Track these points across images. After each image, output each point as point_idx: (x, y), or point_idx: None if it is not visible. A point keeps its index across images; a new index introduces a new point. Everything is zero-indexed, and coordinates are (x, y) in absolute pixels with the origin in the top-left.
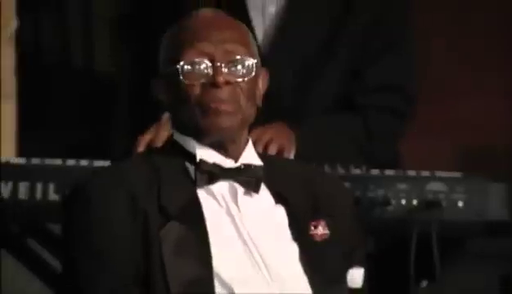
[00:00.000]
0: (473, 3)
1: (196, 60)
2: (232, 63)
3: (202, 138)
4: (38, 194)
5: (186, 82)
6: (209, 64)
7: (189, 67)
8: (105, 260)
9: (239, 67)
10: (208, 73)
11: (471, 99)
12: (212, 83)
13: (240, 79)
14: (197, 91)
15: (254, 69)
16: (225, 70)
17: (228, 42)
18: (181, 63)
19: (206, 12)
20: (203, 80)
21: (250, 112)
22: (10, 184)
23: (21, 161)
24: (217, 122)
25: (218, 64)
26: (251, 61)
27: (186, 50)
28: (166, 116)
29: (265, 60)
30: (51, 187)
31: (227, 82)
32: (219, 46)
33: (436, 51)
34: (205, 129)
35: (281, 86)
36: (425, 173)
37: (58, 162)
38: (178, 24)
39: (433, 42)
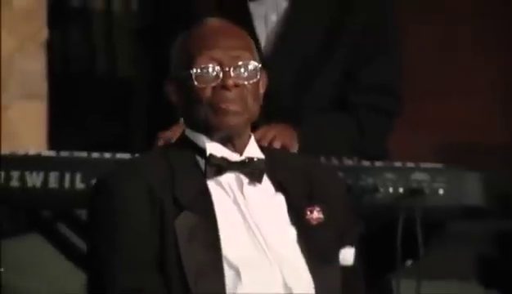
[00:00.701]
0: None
1: (207, 65)
2: (239, 67)
3: (212, 134)
4: (67, 183)
5: (198, 85)
6: (219, 68)
7: (200, 71)
8: (124, 246)
9: (244, 71)
10: (217, 77)
11: (452, 100)
12: (221, 86)
13: (246, 82)
14: (208, 93)
15: (258, 72)
16: (232, 74)
17: (234, 49)
18: (194, 68)
19: (214, 22)
20: (213, 83)
21: (255, 110)
22: (41, 174)
23: (51, 153)
24: (226, 120)
25: (227, 68)
26: (255, 65)
27: (198, 56)
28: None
29: (267, 64)
30: (78, 177)
31: (235, 85)
32: (227, 53)
33: (422, 54)
34: (216, 126)
35: (281, 88)
36: (410, 164)
37: (84, 154)
38: (189, 32)
39: (420, 46)
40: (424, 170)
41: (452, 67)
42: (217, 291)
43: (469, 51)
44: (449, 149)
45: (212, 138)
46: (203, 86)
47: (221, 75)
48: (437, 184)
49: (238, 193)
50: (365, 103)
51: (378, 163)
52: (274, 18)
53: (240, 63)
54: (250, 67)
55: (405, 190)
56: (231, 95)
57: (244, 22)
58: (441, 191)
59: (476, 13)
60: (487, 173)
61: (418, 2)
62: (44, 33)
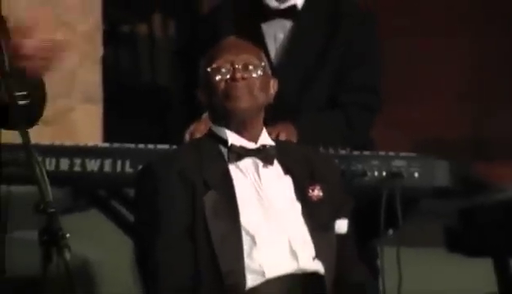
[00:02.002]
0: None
1: (222, 64)
2: (246, 65)
3: (229, 121)
4: (118, 168)
5: (215, 79)
6: (229, 66)
7: (216, 68)
8: (163, 219)
9: (250, 67)
10: (229, 73)
11: (423, 102)
12: (232, 78)
13: (252, 75)
14: (222, 85)
15: (261, 69)
16: (241, 70)
17: (243, 53)
18: (211, 66)
19: (230, 38)
20: (227, 76)
21: (262, 99)
22: (98, 161)
23: (106, 145)
24: (237, 105)
25: (237, 66)
26: (259, 64)
27: (215, 59)
28: (205, 115)
29: (275, 72)
30: (127, 163)
31: (243, 78)
32: (237, 56)
33: (398, 64)
34: (230, 111)
35: (286, 91)
36: (391, 153)
37: (132, 145)
38: (213, 46)
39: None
40: (403, 158)
41: (423, 76)
42: (236, 253)
43: (438, 63)
44: (421, 142)
45: (230, 127)
46: (218, 79)
47: (231, 71)
48: (412, 169)
49: (254, 175)
50: (352, 102)
51: (365, 152)
52: (281, 36)
53: (246, 62)
54: (255, 64)
55: (387, 174)
56: (239, 85)
57: (258, 40)
58: (416, 174)
59: (449, 29)
60: (451, 161)
61: (398, 20)
62: (100, 52)
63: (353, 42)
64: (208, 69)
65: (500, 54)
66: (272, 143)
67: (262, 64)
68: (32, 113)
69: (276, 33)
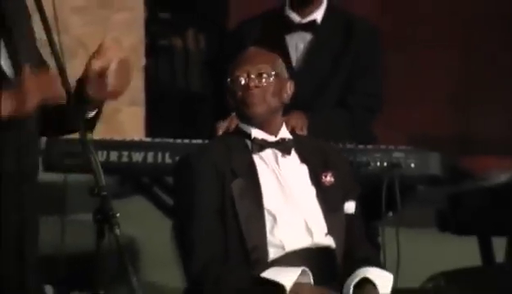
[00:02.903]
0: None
1: (239, 75)
2: (260, 74)
3: (250, 122)
4: (159, 159)
5: (235, 87)
6: (246, 76)
7: (235, 79)
8: (197, 202)
9: (264, 76)
10: (245, 82)
11: (419, 105)
12: (247, 87)
13: (264, 83)
14: (240, 93)
15: (274, 76)
16: (256, 80)
17: (258, 63)
18: (231, 77)
19: (249, 49)
20: (243, 85)
21: (275, 103)
22: (142, 153)
23: (148, 139)
24: (252, 110)
25: (252, 76)
26: (272, 71)
27: (235, 70)
28: (233, 114)
29: (296, 77)
30: (167, 155)
31: (256, 86)
32: (253, 67)
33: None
34: (247, 115)
35: (305, 92)
36: (391, 147)
37: (171, 140)
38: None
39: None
40: (401, 151)
41: (418, 83)
42: (260, 231)
43: (430, 71)
44: (416, 137)
45: (253, 125)
46: (236, 88)
47: (247, 80)
48: (409, 160)
49: (274, 164)
50: (357, 104)
51: (369, 146)
52: (301, 46)
53: (260, 72)
54: (268, 72)
55: (387, 164)
56: (253, 93)
57: (282, 49)
58: (412, 165)
59: (439, 42)
60: (442, 154)
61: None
62: (143, 62)
63: (361, 53)
64: (229, 79)
65: (482, 64)
66: (290, 136)
67: (276, 71)
68: (94, 121)
69: (298, 44)
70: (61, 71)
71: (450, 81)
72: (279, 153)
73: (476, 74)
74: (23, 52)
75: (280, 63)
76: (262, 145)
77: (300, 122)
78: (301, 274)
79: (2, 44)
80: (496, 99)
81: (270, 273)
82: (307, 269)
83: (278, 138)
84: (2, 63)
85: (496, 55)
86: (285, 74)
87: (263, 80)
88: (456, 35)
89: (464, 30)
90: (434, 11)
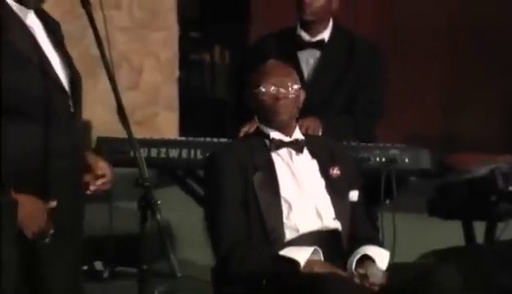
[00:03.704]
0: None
1: (269, 86)
2: (286, 87)
3: (273, 125)
4: (192, 155)
5: (264, 97)
6: (274, 88)
7: (265, 90)
8: (224, 193)
9: (289, 89)
10: (273, 93)
11: (410, 109)
12: (276, 98)
13: (290, 96)
14: (269, 102)
15: (295, 89)
16: (283, 91)
17: (283, 77)
18: (261, 88)
19: (272, 62)
20: (272, 96)
21: (295, 111)
22: (177, 150)
23: (182, 138)
24: (279, 117)
25: (282, 89)
26: (296, 86)
27: (263, 81)
28: (255, 117)
29: (307, 87)
30: (198, 152)
31: (285, 97)
32: (279, 79)
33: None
34: (274, 120)
35: (314, 102)
36: (388, 145)
37: (201, 139)
38: (258, 67)
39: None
40: (396, 148)
41: (411, 89)
42: (277, 216)
43: (420, 79)
44: (409, 137)
45: (272, 128)
46: (265, 98)
47: (275, 91)
48: (403, 156)
49: (289, 160)
50: (360, 111)
51: (369, 144)
52: (312, 61)
53: (286, 84)
54: (291, 85)
55: (385, 160)
56: (281, 103)
57: (294, 63)
58: (406, 160)
59: (427, 54)
60: (431, 151)
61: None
62: (177, 73)
63: (363, 68)
64: (257, 90)
65: (465, 73)
66: (303, 137)
67: (296, 83)
68: None
69: (308, 59)
70: (111, 78)
71: (437, 88)
72: (293, 152)
73: (459, 82)
74: (70, 67)
75: (296, 75)
76: (279, 145)
77: (313, 124)
78: (313, 253)
79: (59, 60)
80: (477, 104)
81: (287, 252)
82: (318, 249)
83: (292, 138)
84: (60, 76)
85: (476, 65)
86: (299, 85)
87: (289, 91)
88: (442, 47)
89: (448, 43)
90: (423, 26)
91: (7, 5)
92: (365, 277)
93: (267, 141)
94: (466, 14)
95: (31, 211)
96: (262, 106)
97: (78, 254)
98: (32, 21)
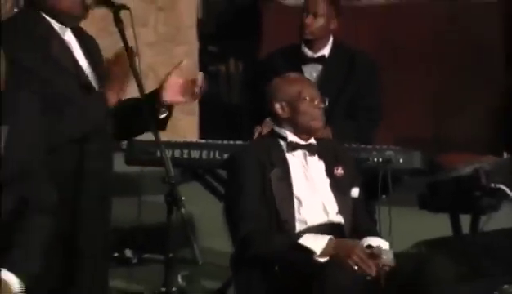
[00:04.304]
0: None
1: (307, 95)
2: (320, 99)
3: (303, 131)
4: (211, 156)
5: (305, 105)
6: (313, 98)
7: (305, 98)
8: (244, 188)
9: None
10: (316, 103)
11: (404, 114)
12: (317, 107)
13: (322, 106)
14: (310, 111)
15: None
16: (319, 102)
17: (316, 90)
18: (302, 96)
19: (296, 74)
20: (313, 106)
21: None
22: (198, 151)
23: (203, 141)
24: (318, 123)
25: (317, 99)
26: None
27: (303, 91)
28: (267, 120)
29: None
30: (216, 153)
31: (321, 107)
32: (314, 90)
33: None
34: (312, 128)
35: None
36: (384, 147)
37: (219, 141)
38: (286, 78)
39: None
40: (392, 150)
41: (404, 97)
42: (290, 209)
43: (412, 89)
44: (403, 140)
45: (293, 132)
46: (306, 106)
47: (317, 102)
48: (398, 156)
49: (303, 160)
50: (361, 116)
51: (368, 146)
52: (314, 74)
53: (319, 97)
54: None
55: (382, 160)
56: (320, 111)
57: None
58: (400, 160)
59: (417, 67)
60: (422, 152)
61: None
62: (200, 77)
63: (363, 79)
64: (300, 98)
65: (451, 82)
66: (315, 142)
67: None
68: (166, 122)
69: (311, 73)
70: (140, 86)
71: (427, 96)
72: (306, 153)
73: (447, 91)
74: (101, 71)
75: None
76: (295, 147)
77: (326, 132)
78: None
79: (91, 70)
80: (463, 110)
81: (304, 240)
82: (332, 237)
83: (308, 142)
84: (90, 77)
85: (462, 76)
86: None
87: (320, 103)
88: (432, 61)
89: (438, 57)
90: (416, 42)
91: (49, 24)
92: (377, 257)
93: (282, 142)
94: (454, 31)
95: None
96: (297, 111)
97: (106, 241)
98: (69, 37)
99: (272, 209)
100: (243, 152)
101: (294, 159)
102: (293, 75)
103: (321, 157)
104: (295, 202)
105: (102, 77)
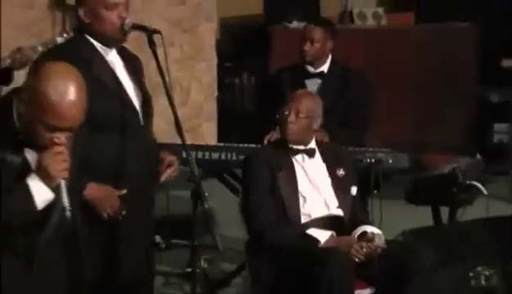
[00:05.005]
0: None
1: (285, 109)
2: (297, 115)
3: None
4: (228, 157)
5: (282, 118)
6: (287, 112)
7: (282, 112)
8: (256, 185)
9: (300, 116)
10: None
11: (393, 121)
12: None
13: (295, 122)
14: (282, 124)
15: (306, 118)
16: (293, 116)
17: (300, 102)
18: (281, 110)
19: (298, 91)
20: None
21: (305, 134)
22: (217, 153)
23: (221, 144)
24: (284, 136)
25: (291, 115)
26: (302, 115)
27: (285, 105)
28: (277, 128)
29: None
30: (234, 154)
31: (290, 122)
32: (293, 105)
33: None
34: (283, 138)
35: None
36: (375, 149)
37: (235, 145)
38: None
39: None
40: (382, 152)
41: (392, 108)
42: (295, 205)
43: (398, 103)
44: (392, 143)
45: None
46: (283, 118)
47: (286, 118)
48: (388, 158)
49: (303, 163)
50: (353, 123)
51: (362, 149)
52: (315, 87)
53: (298, 112)
54: (301, 116)
55: (374, 161)
56: (288, 126)
57: (303, 89)
58: (390, 161)
59: (400, 84)
60: (409, 152)
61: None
62: (216, 93)
63: (355, 92)
64: (280, 111)
65: (431, 96)
66: (314, 146)
67: (307, 113)
68: None
69: (312, 86)
70: (169, 98)
71: (412, 107)
72: (306, 156)
73: (428, 103)
74: (141, 90)
75: (311, 105)
76: (296, 151)
77: (320, 135)
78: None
79: (133, 87)
80: (441, 119)
81: (312, 232)
82: (334, 233)
83: (307, 147)
84: (133, 99)
85: (441, 90)
86: (313, 114)
87: (298, 118)
88: (414, 78)
89: (419, 74)
90: (400, 62)
91: (93, 45)
92: (371, 240)
93: (288, 148)
94: (433, 51)
95: (105, 197)
96: (279, 123)
97: (149, 230)
98: (113, 57)
99: (281, 205)
100: (254, 157)
101: (299, 162)
102: (295, 92)
103: (324, 160)
104: (300, 199)
105: (144, 94)
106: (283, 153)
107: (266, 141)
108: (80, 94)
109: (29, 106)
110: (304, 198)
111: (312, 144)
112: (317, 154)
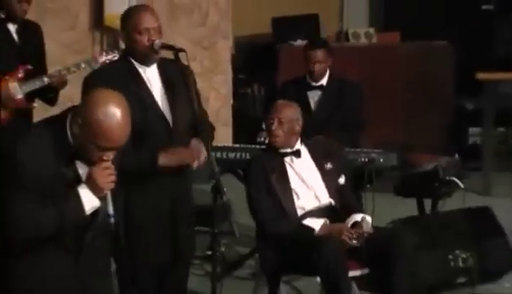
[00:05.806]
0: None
1: (270, 120)
2: (280, 122)
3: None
4: (242, 156)
5: (267, 126)
6: (272, 121)
7: (267, 122)
8: (255, 184)
9: (282, 122)
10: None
11: (383, 126)
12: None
13: (278, 128)
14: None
15: (288, 123)
16: (276, 124)
17: (281, 112)
18: (265, 120)
19: (278, 102)
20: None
21: (290, 138)
22: (233, 153)
23: (236, 145)
24: (271, 141)
25: (274, 124)
26: (286, 121)
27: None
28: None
29: (313, 113)
30: (247, 154)
31: (275, 128)
32: (275, 115)
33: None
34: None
35: (319, 122)
36: (369, 150)
37: (249, 145)
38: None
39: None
40: (375, 152)
41: (381, 114)
42: (290, 200)
43: (387, 110)
44: (383, 144)
45: None
46: (269, 128)
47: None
48: (379, 157)
49: (292, 163)
50: (350, 127)
51: (357, 149)
52: (316, 98)
53: (282, 117)
54: (284, 123)
55: (368, 160)
56: (273, 132)
57: (305, 99)
58: (381, 160)
59: (390, 93)
60: (398, 153)
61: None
62: (231, 101)
63: (351, 100)
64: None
65: (415, 104)
66: (299, 146)
67: (286, 120)
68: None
69: (314, 97)
70: (199, 103)
71: (399, 114)
72: (293, 157)
73: (413, 110)
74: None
75: (292, 112)
76: (284, 154)
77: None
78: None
79: (165, 98)
80: (424, 124)
81: (307, 222)
82: (327, 220)
83: (294, 149)
84: (164, 111)
85: (423, 98)
86: (292, 121)
87: (281, 124)
88: (400, 89)
89: (405, 87)
90: (389, 77)
91: (131, 63)
92: (360, 226)
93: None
94: (417, 66)
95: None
96: (267, 129)
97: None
98: (150, 73)
99: (277, 202)
100: (252, 162)
101: (288, 163)
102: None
103: (312, 157)
104: (294, 195)
105: (188, 102)
106: (275, 157)
107: (259, 140)
108: (126, 118)
109: (82, 129)
110: (297, 194)
111: (298, 146)
112: (305, 153)
